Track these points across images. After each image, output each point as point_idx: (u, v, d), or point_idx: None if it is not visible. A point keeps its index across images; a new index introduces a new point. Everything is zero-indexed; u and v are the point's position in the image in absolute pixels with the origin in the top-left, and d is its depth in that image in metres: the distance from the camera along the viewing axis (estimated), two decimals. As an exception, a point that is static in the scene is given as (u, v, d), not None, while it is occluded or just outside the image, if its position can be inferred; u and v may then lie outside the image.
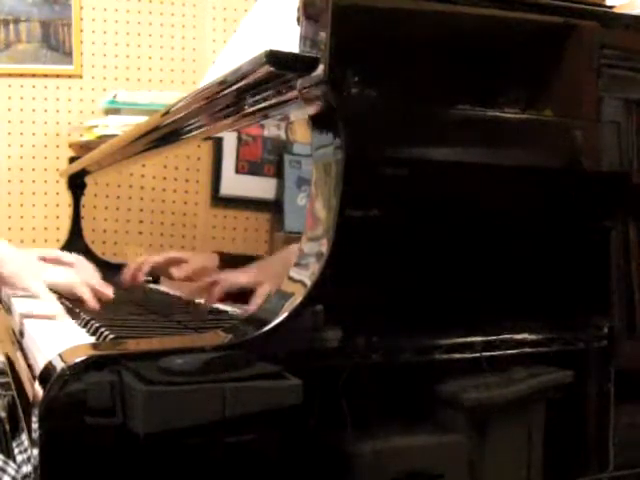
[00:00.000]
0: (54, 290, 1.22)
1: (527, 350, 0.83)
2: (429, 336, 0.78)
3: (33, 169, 2.42)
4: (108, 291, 1.22)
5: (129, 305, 1.28)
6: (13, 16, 2.36)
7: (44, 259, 1.27)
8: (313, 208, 0.77)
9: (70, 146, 2.41)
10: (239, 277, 1.04)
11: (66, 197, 2.18)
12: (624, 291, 0.89)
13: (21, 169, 2.41)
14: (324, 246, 0.74)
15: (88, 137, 2.22)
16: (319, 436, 0.74)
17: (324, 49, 0.73)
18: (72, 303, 1.22)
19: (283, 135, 0.96)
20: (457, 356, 0.79)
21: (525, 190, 0.85)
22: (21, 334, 1.13)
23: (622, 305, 0.89)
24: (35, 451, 0.67)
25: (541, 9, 0.85)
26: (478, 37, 0.83)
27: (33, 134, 2.42)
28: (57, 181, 2.38)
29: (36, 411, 0.67)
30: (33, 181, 2.42)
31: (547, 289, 0.86)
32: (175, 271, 1.27)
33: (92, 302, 1.18)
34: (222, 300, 1.09)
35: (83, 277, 1.22)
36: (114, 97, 2.20)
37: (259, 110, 0.93)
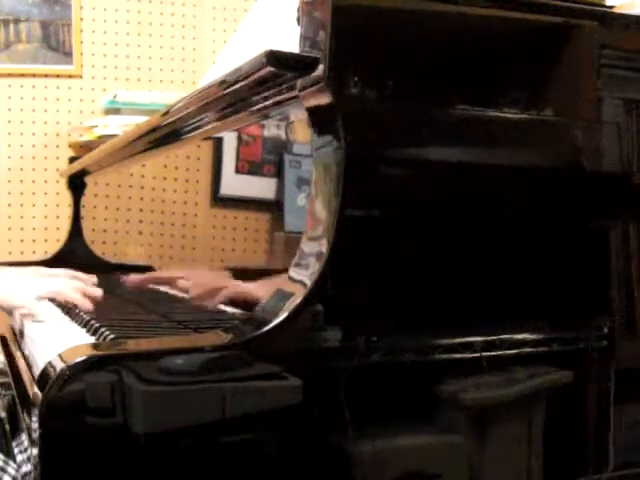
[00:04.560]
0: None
1: (527, 350, 0.83)
2: (429, 336, 0.78)
3: (33, 169, 2.42)
4: (97, 292, 1.23)
5: (129, 305, 1.29)
6: (13, 16, 2.36)
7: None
8: (313, 208, 0.77)
9: (70, 146, 2.40)
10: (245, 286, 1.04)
11: (66, 197, 2.18)
12: (624, 291, 0.89)
13: (21, 169, 2.41)
14: (324, 246, 0.74)
15: (88, 137, 2.22)
16: (319, 436, 0.74)
17: (324, 49, 0.73)
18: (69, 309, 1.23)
19: (283, 135, 0.96)
20: (457, 356, 0.79)
21: (525, 190, 0.85)
22: (21, 334, 1.13)
23: (622, 305, 0.89)
24: (35, 451, 0.67)
25: (541, 9, 0.85)
26: (478, 37, 0.83)
27: (33, 134, 2.41)
28: (57, 181, 2.37)
29: (36, 411, 0.67)
30: (33, 181, 2.42)
31: (547, 289, 0.86)
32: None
33: (85, 305, 1.19)
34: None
35: (69, 284, 1.24)
36: (114, 97, 2.20)
37: (259, 110, 0.93)
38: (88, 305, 1.18)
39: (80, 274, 1.33)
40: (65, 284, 1.23)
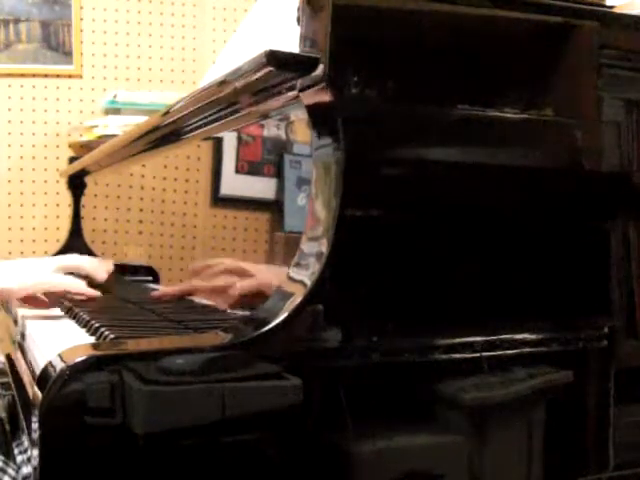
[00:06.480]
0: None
1: (527, 350, 0.83)
2: (429, 336, 0.78)
3: (33, 169, 2.42)
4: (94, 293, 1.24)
5: (129, 305, 1.28)
6: (13, 16, 2.36)
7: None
8: (313, 208, 0.77)
9: (70, 146, 2.41)
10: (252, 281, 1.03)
11: (66, 197, 2.18)
12: (624, 291, 0.89)
13: (21, 169, 2.41)
14: (324, 246, 0.74)
15: (88, 137, 2.22)
16: (319, 436, 0.74)
17: (324, 49, 0.73)
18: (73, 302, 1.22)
19: (283, 135, 0.96)
20: (457, 356, 0.79)
21: (525, 190, 0.85)
22: (22, 336, 1.13)
23: (622, 305, 0.89)
24: (35, 451, 0.67)
25: (541, 9, 0.85)
26: (478, 37, 0.83)
27: (33, 134, 2.42)
28: (57, 181, 2.38)
29: (36, 411, 0.67)
30: (33, 181, 2.42)
31: (547, 289, 0.86)
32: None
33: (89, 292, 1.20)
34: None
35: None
36: (114, 97, 2.20)
37: (259, 110, 0.93)
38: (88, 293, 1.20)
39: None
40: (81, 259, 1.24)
